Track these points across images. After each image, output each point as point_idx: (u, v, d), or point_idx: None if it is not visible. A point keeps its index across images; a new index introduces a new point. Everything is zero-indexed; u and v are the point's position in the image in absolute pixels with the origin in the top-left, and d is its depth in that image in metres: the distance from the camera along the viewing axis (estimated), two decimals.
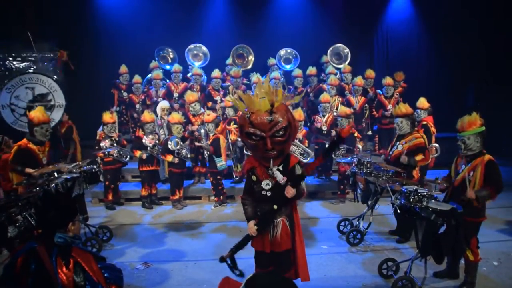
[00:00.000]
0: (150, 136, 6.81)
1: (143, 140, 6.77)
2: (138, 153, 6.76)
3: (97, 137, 6.87)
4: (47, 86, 7.54)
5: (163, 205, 7.11)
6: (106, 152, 6.52)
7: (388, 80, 8.42)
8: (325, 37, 10.29)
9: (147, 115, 6.89)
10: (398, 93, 8.57)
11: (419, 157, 5.21)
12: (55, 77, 8.22)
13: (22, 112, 7.27)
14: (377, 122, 8.71)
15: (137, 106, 8.70)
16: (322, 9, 10.56)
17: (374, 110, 8.59)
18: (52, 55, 8.63)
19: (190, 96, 7.46)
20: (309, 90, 9.09)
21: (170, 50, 9.68)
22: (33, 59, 8.47)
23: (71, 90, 9.66)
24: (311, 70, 9.11)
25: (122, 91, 8.96)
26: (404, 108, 5.34)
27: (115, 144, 6.67)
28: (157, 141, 6.85)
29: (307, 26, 10.51)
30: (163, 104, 7.95)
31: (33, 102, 7.33)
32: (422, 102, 7.21)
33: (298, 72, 9.13)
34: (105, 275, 2.42)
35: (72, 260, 2.37)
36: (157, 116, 7.86)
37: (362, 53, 10.92)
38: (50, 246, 2.38)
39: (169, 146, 6.60)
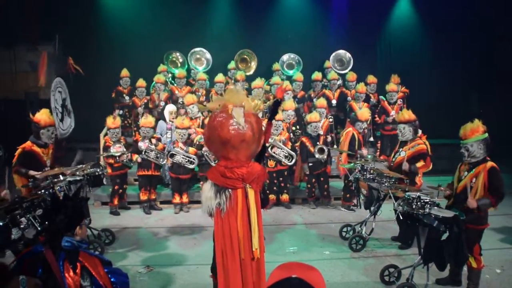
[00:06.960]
0: (146, 141, 6.79)
1: (139, 144, 6.73)
2: (135, 157, 6.71)
3: (103, 142, 6.78)
4: (64, 89, 7.15)
5: (162, 210, 7.07)
6: (117, 158, 6.48)
7: (392, 86, 8.42)
8: (329, 42, 10.35)
9: (143, 120, 6.87)
10: (401, 99, 8.56)
11: (420, 164, 5.25)
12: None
13: (60, 117, 6.74)
14: (380, 128, 8.72)
15: (139, 109, 8.69)
16: (325, 15, 10.61)
17: (376, 116, 8.59)
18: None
19: (189, 98, 7.45)
20: (312, 95, 9.09)
21: (179, 54, 9.72)
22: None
23: (73, 91, 9.69)
24: (317, 75, 9.08)
25: (124, 95, 8.96)
26: (407, 114, 5.37)
27: (125, 150, 6.64)
28: (152, 146, 6.73)
29: (311, 31, 10.54)
30: (171, 107, 7.92)
31: (62, 106, 6.91)
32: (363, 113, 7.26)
33: (298, 76, 9.01)
34: (112, 279, 2.44)
35: (79, 264, 2.39)
36: (165, 120, 7.86)
37: (365, 59, 10.93)
38: (57, 250, 2.40)
39: (166, 150, 6.62)
